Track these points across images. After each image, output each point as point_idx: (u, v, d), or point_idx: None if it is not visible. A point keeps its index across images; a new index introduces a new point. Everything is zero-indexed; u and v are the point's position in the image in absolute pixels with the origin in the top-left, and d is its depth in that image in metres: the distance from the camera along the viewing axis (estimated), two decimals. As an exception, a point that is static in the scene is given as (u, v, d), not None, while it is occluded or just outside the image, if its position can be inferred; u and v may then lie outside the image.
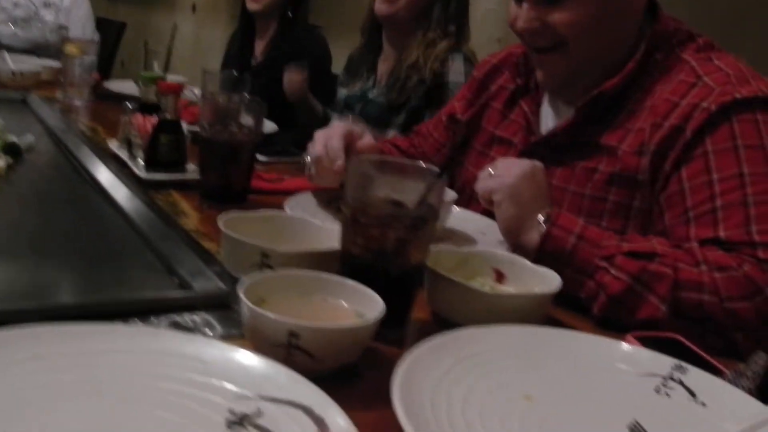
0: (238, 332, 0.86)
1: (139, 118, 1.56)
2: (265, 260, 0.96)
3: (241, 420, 0.63)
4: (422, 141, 1.68)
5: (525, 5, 1.29)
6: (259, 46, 2.92)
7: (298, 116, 2.65)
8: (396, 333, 0.92)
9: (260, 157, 1.68)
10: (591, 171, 1.30)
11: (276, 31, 2.85)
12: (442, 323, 0.97)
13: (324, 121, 2.47)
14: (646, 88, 1.28)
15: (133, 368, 0.68)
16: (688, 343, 0.95)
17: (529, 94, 1.46)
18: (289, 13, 2.81)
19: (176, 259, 1.05)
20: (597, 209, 1.23)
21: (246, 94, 1.59)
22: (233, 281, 0.97)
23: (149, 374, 0.67)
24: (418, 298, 0.96)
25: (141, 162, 1.51)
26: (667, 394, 0.81)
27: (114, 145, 1.67)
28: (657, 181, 1.21)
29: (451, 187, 1.42)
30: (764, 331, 1.04)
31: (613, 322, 1.07)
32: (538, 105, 1.44)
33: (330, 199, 1.39)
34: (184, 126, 1.56)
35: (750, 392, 0.81)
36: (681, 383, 0.82)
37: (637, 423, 0.74)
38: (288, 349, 0.74)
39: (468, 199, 1.42)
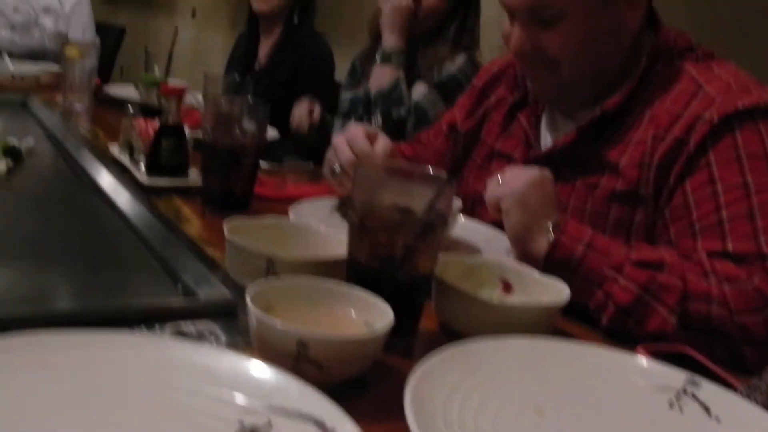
0: (243, 341, 0.85)
1: (140, 122, 1.55)
2: (271, 268, 0.95)
3: (251, 433, 0.61)
4: (423, 149, 1.67)
5: (518, 25, 1.28)
6: (263, 50, 2.91)
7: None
8: (403, 342, 0.90)
9: (263, 164, 1.67)
10: (591, 187, 1.28)
11: (281, 36, 2.84)
12: (449, 333, 0.95)
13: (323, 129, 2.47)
14: (647, 100, 1.27)
15: (139, 378, 0.66)
16: (697, 355, 0.94)
17: (527, 108, 1.44)
18: (295, 19, 2.80)
19: (180, 266, 1.04)
20: (598, 225, 1.21)
21: (249, 98, 1.58)
22: (238, 289, 0.95)
23: (156, 384, 0.66)
24: (426, 308, 0.95)
25: (143, 167, 1.49)
26: (681, 409, 0.79)
27: (115, 150, 1.66)
28: (661, 194, 1.20)
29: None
30: (774, 345, 1.03)
31: (621, 334, 1.06)
32: (537, 119, 1.43)
33: (335, 206, 1.38)
34: (187, 131, 1.54)
35: (765, 407, 0.79)
36: (694, 397, 0.80)
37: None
38: (296, 360, 0.73)
39: (469, 212, 1.41)
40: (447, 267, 1.00)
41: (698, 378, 0.82)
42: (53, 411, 0.61)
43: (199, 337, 0.85)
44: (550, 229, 1.12)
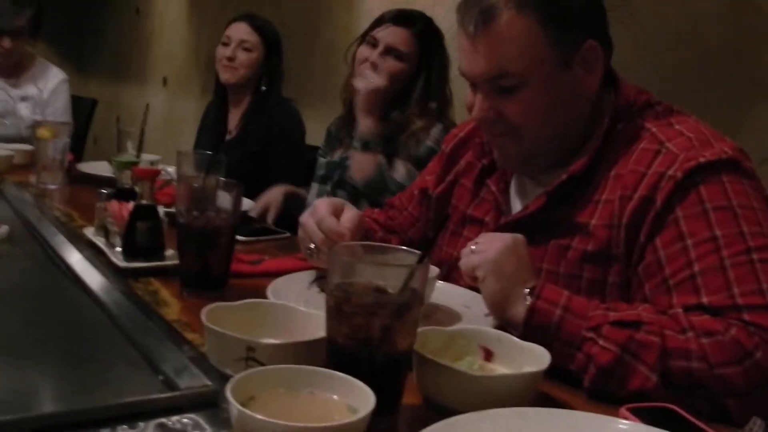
0: (228, 432, 0.85)
1: (114, 205, 1.55)
2: (251, 354, 0.95)
3: None
4: (397, 214, 1.68)
5: (479, 94, 1.30)
6: (233, 120, 2.93)
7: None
8: (387, 421, 0.90)
9: (239, 237, 1.67)
10: (564, 249, 1.30)
11: (250, 104, 2.87)
12: (433, 407, 0.95)
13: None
14: (611, 160, 1.29)
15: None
16: (682, 412, 0.95)
17: (496, 174, 1.46)
18: (263, 87, 2.83)
19: (160, 356, 1.03)
20: (572, 287, 1.22)
21: (221, 177, 1.59)
22: (220, 377, 0.95)
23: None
24: (408, 382, 0.95)
25: (118, 250, 1.49)
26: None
27: (90, 233, 1.66)
28: (632, 253, 1.22)
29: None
30: (755, 396, 1.04)
31: (605, 394, 1.06)
32: (506, 184, 1.45)
33: (313, 280, 1.39)
34: (161, 210, 1.55)
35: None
36: (680, 461, 0.81)
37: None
38: (280, 453, 0.73)
39: (445, 277, 1.42)
40: (426, 339, 1.00)
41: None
42: None
43: (184, 431, 0.85)
44: (527, 295, 1.13)
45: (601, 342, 1.07)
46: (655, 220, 1.19)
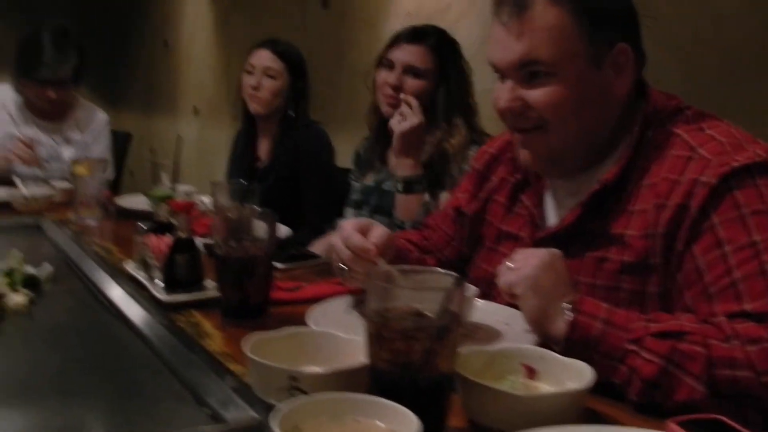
0: (274, 463, 0.85)
1: (153, 239, 1.57)
2: (294, 383, 0.95)
3: None
4: (432, 234, 1.68)
5: (507, 83, 1.31)
6: (263, 148, 2.94)
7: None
8: (433, 445, 0.90)
9: (277, 264, 1.69)
10: (600, 261, 1.29)
11: (278, 131, 2.87)
12: (479, 429, 0.95)
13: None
14: (644, 168, 1.28)
15: None
16: (732, 423, 0.93)
17: (529, 188, 1.46)
18: (291, 112, 2.84)
19: (204, 388, 1.04)
20: (611, 299, 1.21)
21: (256, 206, 1.60)
22: (265, 407, 0.96)
23: None
24: (454, 404, 0.95)
25: (159, 284, 1.51)
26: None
27: (130, 267, 1.68)
28: (670, 262, 1.21)
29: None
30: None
31: (652, 406, 1.05)
32: (540, 198, 1.45)
33: (351, 304, 1.39)
34: (198, 242, 1.57)
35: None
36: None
37: None
38: (328, 484, 0.73)
39: (484, 295, 1.41)
40: (468, 360, 1.00)
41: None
42: None
43: (231, 463, 0.86)
44: (567, 310, 1.12)
45: (643, 354, 1.06)
46: (691, 228, 1.18)
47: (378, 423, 0.85)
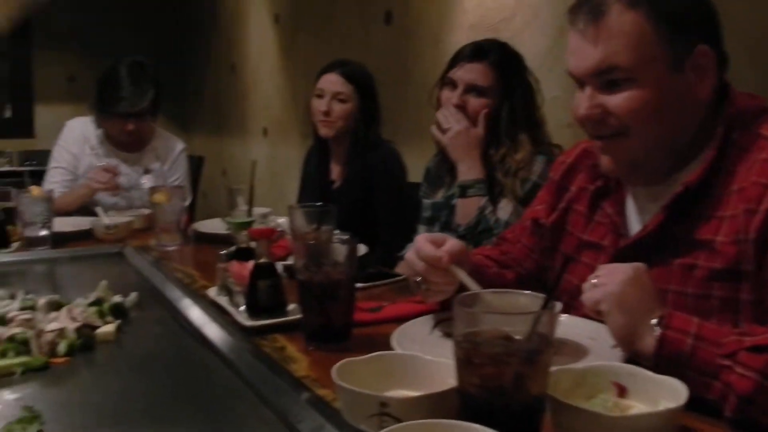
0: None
1: (235, 266, 1.60)
2: (385, 409, 0.96)
3: None
4: (511, 247, 1.67)
5: (586, 91, 1.30)
6: (336, 169, 2.96)
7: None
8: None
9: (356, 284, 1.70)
10: (689, 268, 1.26)
11: (350, 152, 2.89)
12: (572, 451, 0.94)
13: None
14: (729, 172, 1.26)
15: None
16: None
17: (610, 196, 1.44)
18: (362, 132, 2.84)
19: (295, 415, 1.05)
20: (702, 308, 1.19)
21: (333, 227, 1.62)
22: (355, 434, 0.97)
23: None
24: (545, 425, 0.94)
25: (242, 309, 1.54)
26: None
27: (213, 293, 1.72)
28: (764, 268, 1.18)
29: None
30: None
31: (748, 423, 1.02)
32: (622, 205, 1.43)
33: (434, 324, 1.39)
34: (278, 265, 1.59)
35: None
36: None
37: None
38: None
39: (566, 307, 1.40)
40: (557, 379, 0.99)
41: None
42: None
43: (327, 492, 0.87)
44: (655, 325, 1.10)
45: (738, 369, 1.03)
46: None
47: (472, 449, 0.85)
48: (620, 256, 1.33)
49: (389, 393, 1.02)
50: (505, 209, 2.15)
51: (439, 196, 2.36)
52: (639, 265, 1.18)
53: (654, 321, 1.11)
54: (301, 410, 1.07)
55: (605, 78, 1.27)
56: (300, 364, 1.30)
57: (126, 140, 3.29)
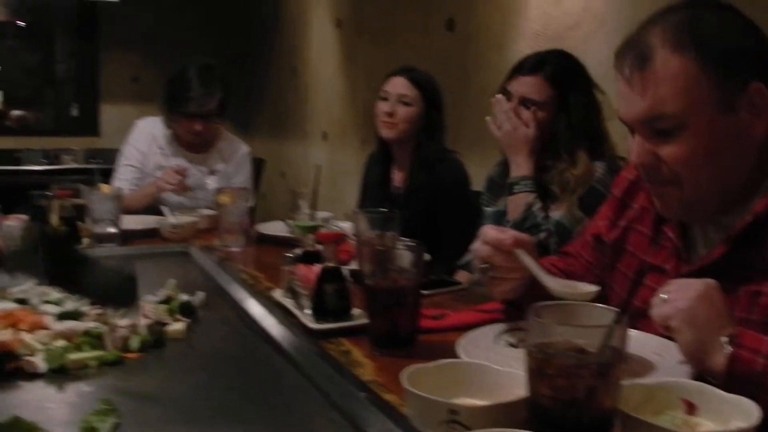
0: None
1: (302, 269, 1.63)
2: (454, 416, 0.97)
3: None
4: (574, 261, 1.67)
5: (638, 138, 1.29)
6: (399, 175, 2.97)
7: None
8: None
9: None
10: (755, 295, 1.25)
11: (413, 159, 2.89)
12: (641, 466, 0.94)
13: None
14: None
15: None
16: None
17: (672, 220, 1.43)
18: (424, 139, 2.85)
19: (364, 420, 1.07)
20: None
21: (397, 233, 1.64)
22: (424, 439, 0.98)
23: None
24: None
25: (308, 312, 1.56)
26: None
27: (278, 295, 1.75)
28: None
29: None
30: None
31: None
32: (684, 229, 1.41)
33: (500, 333, 1.40)
34: (345, 270, 1.61)
35: None
36: None
37: None
38: None
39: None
40: (626, 394, 0.99)
41: None
42: None
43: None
44: (726, 344, 1.10)
45: (812, 391, 1.02)
46: None
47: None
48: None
49: (457, 400, 1.03)
50: (559, 209, 2.16)
51: (501, 204, 2.36)
52: (710, 281, 1.17)
53: (724, 339, 1.10)
54: (370, 414, 1.09)
55: (655, 127, 1.25)
56: (366, 368, 1.33)
57: (193, 141, 3.35)
